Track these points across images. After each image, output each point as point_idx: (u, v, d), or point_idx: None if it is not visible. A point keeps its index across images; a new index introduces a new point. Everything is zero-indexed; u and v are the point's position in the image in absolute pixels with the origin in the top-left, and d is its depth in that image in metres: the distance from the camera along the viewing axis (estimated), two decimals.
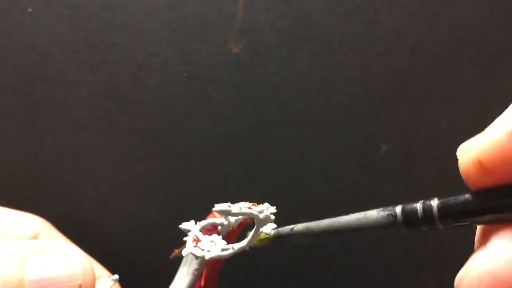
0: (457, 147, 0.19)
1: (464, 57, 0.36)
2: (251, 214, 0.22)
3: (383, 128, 0.37)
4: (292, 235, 0.23)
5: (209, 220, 0.24)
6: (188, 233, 0.23)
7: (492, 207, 0.17)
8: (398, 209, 0.19)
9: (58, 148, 0.38)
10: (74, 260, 0.22)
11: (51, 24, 0.36)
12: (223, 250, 0.22)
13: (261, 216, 0.22)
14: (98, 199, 0.38)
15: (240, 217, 0.24)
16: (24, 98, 0.37)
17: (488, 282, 0.15)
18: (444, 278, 0.39)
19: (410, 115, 0.37)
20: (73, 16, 0.36)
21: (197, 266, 0.24)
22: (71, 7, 0.35)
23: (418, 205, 0.18)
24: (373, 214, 0.20)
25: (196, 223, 0.24)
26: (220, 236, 0.23)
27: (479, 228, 0.18)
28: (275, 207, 0.23)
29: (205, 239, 0.23)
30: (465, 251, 0.18)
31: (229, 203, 0.22)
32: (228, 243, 0.22)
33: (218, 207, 0.22)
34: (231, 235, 0.25)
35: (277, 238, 0.23)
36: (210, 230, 0.24)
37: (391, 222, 0.19)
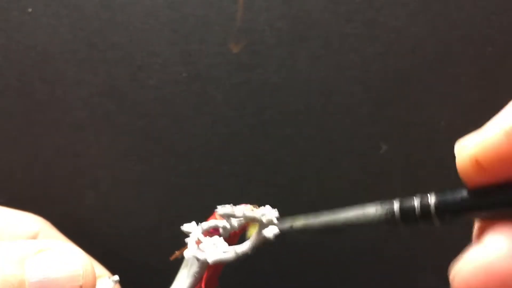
0: None
1: (464, 57, 0.36)
2: (254, 217, 0.22)
3: (383, 128, 0.37)
4: (291, 231, 0.23)
5: (211, 222, 0.24)
6: (190, 235, 0.23)
7: (488, 204, 0.17)
8: (396, 205, 0.19)
9: (58, 148, 0.38)
10: (75, 260, 0.22)
11: (51, 24, 0.36)
12: (225, 253, 0.22)
13: (264, 219, 0.22)
14: (98, 199, 0.38)
15: (242, 220, 0.24)
16: (24, 98, 0.37)
17: (481, 276, 0.16)
18: (444, 278, 0.39)
19: (410, 115, 0.37)
20: (73, 16, 0.36)
21: (198, 269, 0.24)
22: (71, 7, 0.35)
23: (416, 202, 0.19)
24: (371, 210, 0.20)
25: (198, 225, 0.24)
26: (222, 239, 0.23)
27: (476, 224, 0.18)
28: (276, 210, 0.23)
29: (207, 241, 0.22)
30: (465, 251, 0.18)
31: (232, 206, 0.22)
32: (229, 246, 0.22)
33: (221, 210, 0.22)
34: (233, 237, 0.25)
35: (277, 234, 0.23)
36: (212, 232, 0.24)
37: (389, 218, 0.19)
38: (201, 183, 0.38)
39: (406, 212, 0.19)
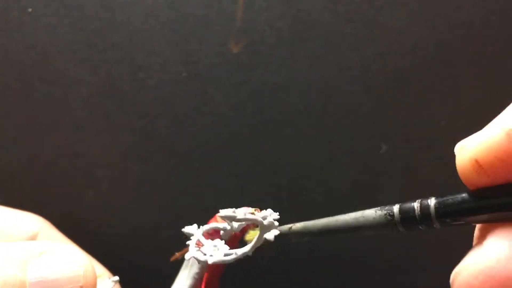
0: None
1: (464, 57, 0.36)
2: (255, 220, 0.22)
3: (383, 128, 0.37)
4: (290, 234, 0.23)
5: (212, 224, 0.24)
6: (191, 237, 0.23)
7: (489, 207, 0.17)
8: (396, 208, 0.19)
9: (58, 148, 0.38)
10: (76, 262, 0.22)
11: (51, 24, 0.36)
12: (225, 255, 0.22)
13: (265, 222, 0.22)
14: (98, 199, 0.38)
15: (243, 222, 0.24)
16: (24, 98, 0.37)
17: (481, 279, 0.15)
18: (444, 278, 0.39)
19: (410, 115, 0.37)
20: (73, 16, 0.36)
21: (198, 270, 0.24)
22: (71, 7, 0.35)
23: (416, 204, 0.19)
24: (371, 213, 0.20)
25: (199, 227, 0.24)
26: (223, 241, 0.23)
27: (477, 226, 0.18)
28: (278, 213, 0.23)
29: (208, 243, 0.23)
30: (465, 252, 0.18)
31: (233, 209, 0.22)
32: (230, 248, 0.22)
33: (223, 212, 0.22)
34: (233, 239, 0.25)
35: (276, 237, 0.23)
36: (212, 234, 0.24)
37: (389, 221, 0.19)
38: (201, 183, 0.38)
39: (406, 214, 0.19)
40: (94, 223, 0.39)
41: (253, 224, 0.23)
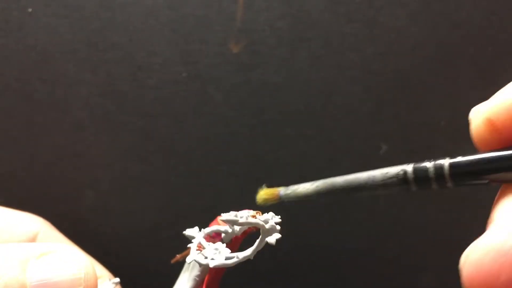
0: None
1: (464, 57, 0.36)
2: (257, 224, 0.22)
3: (383, 128, 0.37)
4: (300, 195, 0.22)
5: (213, 227, 0.24)
6: (192, 240, 0.23)
7: (501, 166, 0.17)
8: (410, 167, 0.19)
9: (58, 148, 0.38)
10: (76, 264, 0.22)
11: (51, 24, 0.36)
12: (227, 258, 0.22)
13: (267, 226, 0.22)
14: (98, 199, 0.38)
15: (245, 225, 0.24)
16: (24, 98, 0.37)
17: (492, 256, 0.15)
18: (444, 278, 0.39)
19: (410, 115, 0.37)
20: (73, 16, 0.36)
21: (198, 273, 0.24)
22: (71, 7, 0.35)
23: (430, 164, 0.19)
24: (384, 171, 0.20)
25: (200, 230, 0.24)
26: (224, 244, 0.23)
27: (494, 202, 0.18)
28: (279, 216, 0.23)
29: (209, 246, 0.23)
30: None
31: (235, 213, 0.22)
32: (231, 251, 0.22)
33: (225, 216, 0.22)
34: (234, 242, 0.25)
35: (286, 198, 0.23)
36: (214, 237, 0.24)
37: (402, 179, 0.19)
38: (201, 183, 0.38)
39: (420, 173, 0.19)
40: (94, 223, 0.39)
41: (255, 227, 0.23)
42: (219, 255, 0.22)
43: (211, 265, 0.22)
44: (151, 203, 0.39)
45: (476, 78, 0.36)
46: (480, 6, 0.35)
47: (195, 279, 0.24)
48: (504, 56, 0.36)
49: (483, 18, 0.35)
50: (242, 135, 0.37)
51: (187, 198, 0.38)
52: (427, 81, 0.36)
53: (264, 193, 0.23)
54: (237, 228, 0.24)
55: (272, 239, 0.22)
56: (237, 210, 0.24)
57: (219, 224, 0.24)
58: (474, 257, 0.16)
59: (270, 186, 0.23)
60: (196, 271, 0.24)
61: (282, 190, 0.23)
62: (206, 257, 0.22)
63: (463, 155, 0.18)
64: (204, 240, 0.23)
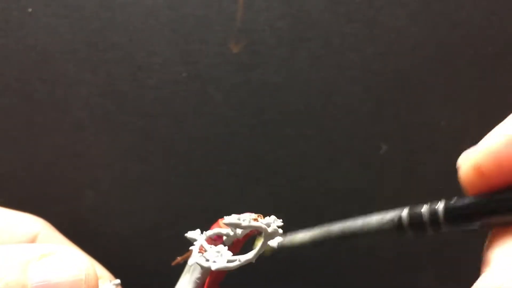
0: (457, 147, 0.19)
1: (464, 57, 0.36)
2: (260, 227, 0.22)
3: (383, 128, 0.37)
4: (296, 246, 0.23)
5: (215, 230, 0.24)
6: (194, 242, 0.23)
7: (493, 209, 0.17)
8: (404, 212, 0.19)
9: (58, 148, 0.38)
10: (77, 265, 0.22)
11: (51, 24, 0.36)
12: (229, 261, 0.22)
13: (269, 229, 0.22)
14: (98, 199, 0.38)
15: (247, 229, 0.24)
16: (24, 98, 0.37)
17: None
18: (444, 278, 0.39)
19: (410, 115, 0.37)
20: (73, 16, 0.36)
21: (200, 275, 0.24)
22: (71, 7, 0.35)
23: (424, 208, 0.19)
24: (379, 217, 0.20)
25: (202, 232, 0.24)
26: (226, 247, 0.23)
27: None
28: (281, 220, 0.23)
29: (211, 249, 0.23)
30: (465, 251, 0.18)
31: (238, 216, 0.22)
32: (232, 253, 0.22)
33: (227, 220, 0.22)
34: (236, 245, 0.25)
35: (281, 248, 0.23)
36: (215, 240, 0.24)
37: (397, 225, 0.19)
38: (201, 183, 0.38)
39: (415, 218, 0.19)
40: (94, 223, 0.39)
41: (256, 230, 0.23)
42: (221, 258, 0.22)
43: (213, 268, 0.22)
44: (151, 203, 0.39)
45: (476, 78, 0.36)
46: (480, 6, 0.35)
47: (196, 282, 0.24)
48: (504, 56, 0.36)
49: (483, 18, 0.35)
50: (242, 135, 0.37)
51: (187, 198, 0.38)
52: (427, 81, 0.36)
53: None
54: (239, 231, 0.24)
55: (274, 242, 0.22)
56: (237, 211, 0.24)
57: (220, 227, 0.24)
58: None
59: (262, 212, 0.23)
60: (197, 273, 0.24)
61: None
62: (207, 260, 0.22)
63: (458, 195, 0.18)
64: (206, 242, 0.23)
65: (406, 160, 0.38)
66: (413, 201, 0.20)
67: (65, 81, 0.36)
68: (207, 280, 0.24)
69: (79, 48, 0.36)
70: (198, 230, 0.24)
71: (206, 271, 0.24)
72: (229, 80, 0.36)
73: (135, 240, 0.39)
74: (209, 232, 0.24)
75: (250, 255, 0.22)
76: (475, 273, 0.18)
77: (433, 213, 0.18)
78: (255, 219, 0.22)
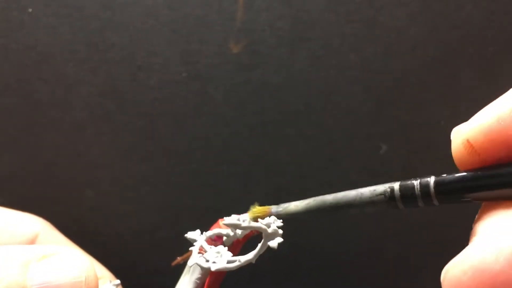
0: None
1: (464, 57, 0.36)
2: (260, 228, 0.22)
3: (383, 128, 0.37)
4: (290, 214, 0.23)
5: (215, 230, 0.24)
6: (194, 243, 0.23)
7: (483, 184, 0.18)
8: (396, 185, 0.20)
9: (58, 148, 0.38)
10: (77, 266, 0.22)
11: (51, 24, 0.36)
12: (229, 262, 0.22)
13: (269, 230, 0.22)
14: (98, 199, 0.38)
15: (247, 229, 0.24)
16: (24, 98, 0.37)
17: (470, 275, 0.16)
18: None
19: (410, 115, 0.37)
20: (73, 16, 0.36)
21: (200, 276, 0.24)
22: (71, 7, 0.35)
23: (416, 182, 0.19)
24: (372, 190, 0.21)
25: (202, 233, 0.24)
26: (226, 248, 0.23)
27: (475, 220, 0.18)
28: (281, 220, 0.23)
29: (211, 250, 0.23)
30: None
31: (238, 216, 0.22)
32: (232, 254, 0.22)
33: (227, 220, 0.22)
34: (236, 245, 0.25)
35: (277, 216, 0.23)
36: (215, 240, 0.24)
37: (388, 197, 0.20)
38: (201, 183, 0.38)
39: (406, 191, 0.20)
40: (94, 223, 0.39)
41: (257, 231, 0.23)
42: (220, 259, 0.22)
43: (212, 269, 0.22)
44: (151, 203, 0.39)
45: (476, 78, 0.36)
46: (480, 6, 0.35)
47: (195, 282, 0.24)
48: (504, 56, 0.36)
49: (483, 18, 0.35)
50: (242, 135, 0.37)
51: (187, 198, 0.38)
52: (427, 81, 0.36)
53: (256, 211, 0.23)
54: (239, 231, 0.24)
55: (274, 243, 0.22)
56: (237, 211, 0.24)
57: (220, 227, 0.24)
58: (453, 273, 0.16)
59: (261, 204, 0.23)
60: (197, 274, 0.24)
61: (273, 208, 0.23)
62: (207, 260, 0.22)
63: (448, 173, 0.19)
64: (205, 243, 0.23)
65: (406, 160, 0.38)
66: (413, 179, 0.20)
67: (65, 81, 0.36)
68: (207, 281, 0.24)
69: (79, 48, 0.36)
70: (198, 231, 0.24)
71: (206, 271, 0.24)
72: (229, 80, 0.36)
73: (135, 240, 0.39)
74: (209, 233, 0.24)
75: (250, 256, 0.22)
76: None
77: (425, 186, 0.19)
78: (255, 220, 0.22)
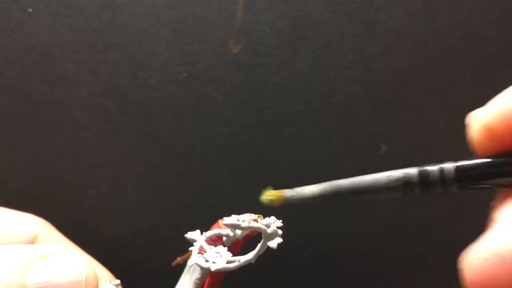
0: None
1: (464, 57, 0.36)
2: (259, 228, 0.22)
3: (383, 128, 0.37)
4: (305, 199, 0.23)
5: (215, 230, 0.24)
6: (194, 243, 0.23)
7: (503, 171, 0.17)
8: (414, 170, 0.19)
9: (58, 148, 0.38)
10: (77, 266, 0.22)
11: (51, 24, 0.36)
12: (228, 262, 0.22)
13: (269, 230, 0.22)
14: (98, 199, 0.38)
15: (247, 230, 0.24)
16: (24, 98, 0.37)
17: (492, 261, 0.15)
18: (444, 278, 0.39)
19: (410, 115, 0.37)
20: (73, 16, 0.36)
21: (199, 276, 0.24)
22: (71, 7, 0.35)
23: (435, 168, 0.19)
24: (388, 175, 0.20)
25: (201, 233, 0.24)
26: (226, 248, 0.23)
27: (493, 206, 0.18)
28: (281, 220, 0.23)
29: (211, 250, 0.23)
30: (465, 252, 0.18)
31: (237, 217, 0.22)
32: (232, 254, 0.22)
33: (227, 220, 0.22)
34: (235, 246, 0.25)
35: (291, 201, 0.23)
36: (215, 240, 0.24)
37: (407, 183, 0.19)
38: (201, 183, 0.38)
39: (424, 177, 0.19)
40: (94, 223, 0.39)
41: (257, 231, 0.23)
42: (220, 259, 0.22)
43: (212, 269, 0.22)
44: (151, 203, 0.39)
45: (476, 78, 0.36)
46: (480, 6, 0.35)
47: (195, 282, 0.24)
48: (504, 56, 0.36)
49: (483, 18, 0.35)
50: (242, 135, 0.37)
51: (187, 198, 0.38)
52: (427, 81, 0.36)
53: (269, 195, 0.22)
54: (238, 231, 0.24)
55: (274, 243, 0.22)
56: (237, 211, 0.24)
57: (220, 228, 0.24)
58: (476, 260, 0.16)
59: (275, 188, 0.23)
60: (197, 274, 0.24)
61: (287, 192, 0.23)
62: (207, 261, 0.22)
63: (462, 158, 0.18)
64: (205, 243, 0.23)
65: (406, 160, 0.38)
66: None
67: (65, 81, 0.36)
68: (206, 281, 0.24)
69: (79, 48, 0.36)
70: (198, 231, 0.24)
71: (205, 271, 0.24)
72: (229, 80, 0.36)
73: (135, 240, 0.39)
74: (209, 233, 0.24)
75: (249, 256, 0.22)
76: None
77: (443, 172, 0.18)
78: (255, 220, 0.22)
